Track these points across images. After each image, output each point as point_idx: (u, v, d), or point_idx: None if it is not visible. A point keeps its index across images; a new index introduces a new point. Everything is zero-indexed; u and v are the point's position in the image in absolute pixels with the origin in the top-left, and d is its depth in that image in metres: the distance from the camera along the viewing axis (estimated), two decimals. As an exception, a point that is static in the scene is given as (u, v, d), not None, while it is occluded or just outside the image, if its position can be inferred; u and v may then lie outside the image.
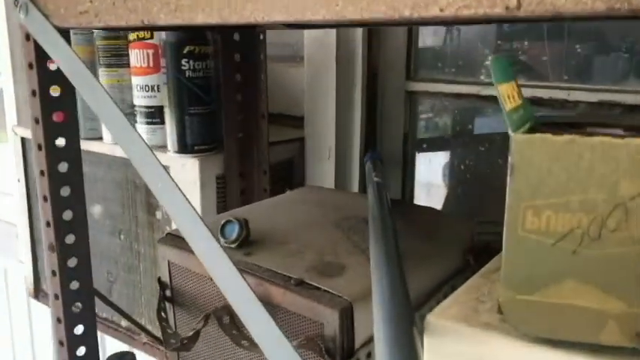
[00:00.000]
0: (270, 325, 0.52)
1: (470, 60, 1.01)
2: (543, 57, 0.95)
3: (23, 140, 1.25)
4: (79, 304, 0.80)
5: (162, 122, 0.98)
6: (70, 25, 0.63)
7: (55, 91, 0.73)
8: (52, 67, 0.72)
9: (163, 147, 0.97)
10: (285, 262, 0.62)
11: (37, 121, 0.72)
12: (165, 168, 0.60)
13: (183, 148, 0.94)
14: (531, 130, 0.37)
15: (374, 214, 0.60)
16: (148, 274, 1.08)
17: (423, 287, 0.63)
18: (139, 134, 0.61)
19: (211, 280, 0.66)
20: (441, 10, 0.38)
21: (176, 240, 0.70)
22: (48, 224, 0.74)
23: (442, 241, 0.68)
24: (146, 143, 0.60)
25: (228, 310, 0.62)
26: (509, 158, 0.36)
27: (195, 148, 0.94)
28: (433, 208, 0.79)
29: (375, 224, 0.57)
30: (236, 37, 0.92)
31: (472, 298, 0.40)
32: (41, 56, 0.71)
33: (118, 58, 1.02)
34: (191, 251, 0.67)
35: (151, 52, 0.96)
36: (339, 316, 0.53)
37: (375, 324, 0.40)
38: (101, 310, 1.20)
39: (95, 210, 1.12)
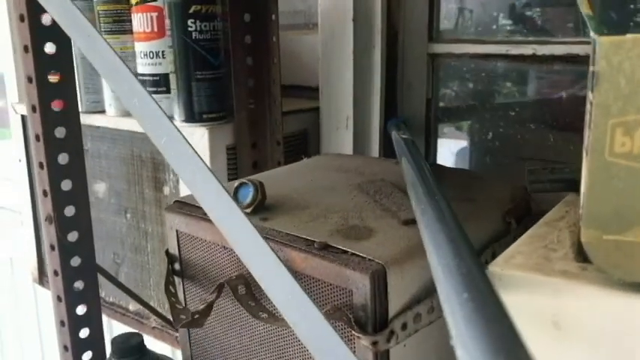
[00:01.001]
0: (297, 291, 0.45)
1: (492, 19, 0.94)
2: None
3: (24, 118, 1.19)
4: (80, 282, 0.74)
5: (168, 91, 0.91)
6: (63, -34, 0.57)
7: (49, 48, 0.67)
8: (46, 21, 0.66)
9: (170, 117, 0.90)
10: (307, 227, 0.55)
11: (30, 80, 0.65)
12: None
13: (191, 116, 0.87)
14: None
15: (411, 168, 0.54)
16: (156, 254, 1.02)
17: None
18: (145, 87, 0.55)
19: (224, 248, 0.60)
20: None
21: (185, 207, 0.64)
22: (45, 193, 0.68)
23: (480, 204, 0.61)
24: (151, 96, 0.54)
25: (243, 279, 0.55)
26: (592, 67, 0.29)
27: (204, 116, 0.87)
28: (468, 170, 0.72)
29: (415, 178, 0.50)
30: (246, -5, 0.86)
31: (539, 246, 0.33)
32: (34, 9, 0.65)
33: (120, 24, 0.95)
34: (201, 218, 0.61)
35: (154, 15, 0.90)
36: (371, 281, 0.47)
37: (438, 267, 0.33)
38: (108, 294, 1.14)
39: (99, 188, 1.06)
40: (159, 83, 0.92)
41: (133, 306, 1.10)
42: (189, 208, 0.64)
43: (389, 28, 0.94)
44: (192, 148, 0.51)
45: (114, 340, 0.72)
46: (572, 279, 0.29)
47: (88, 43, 0.55)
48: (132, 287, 1.05)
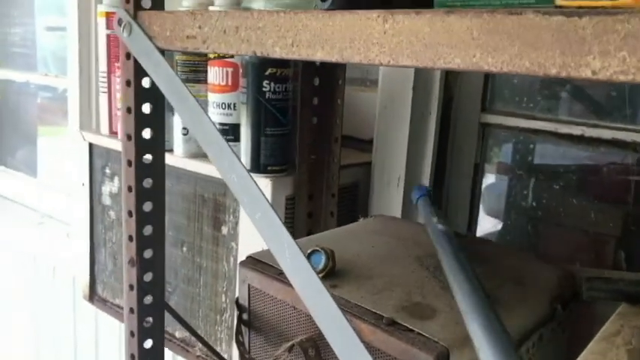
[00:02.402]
0: (368, 364, 0.51)
1: (548, 95, 0.99)
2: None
3: (91, 146, 1.27)
4: (150, 319, 0.81)
5: (236, 140, 0.98)
6: (175, 48, 0.64)
7: (146, 109, 0.74)
8: (145, 83, 0.73)
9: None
10: (374, 299, 0.61)
11: (129, 138, 0.73)
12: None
13: (257, 167, 0.94)
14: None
15: (460, 271, 0.59)
16: (208, 288, 1.08)
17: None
18: (239, 158, 0.61)
19: (294, 308, 0.66)
20: (594, 72, 0.37)
21: (258, 264, 0.70)
22: (130, 239, 0.75)
23: (529, 288, 0.66)
24: (245, 168, 0.60)
25: (313, 342, 0.62)
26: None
27: (269, 168, 0.94)
28: (518, 249, 0.78)
29: (466, 289, 0.56)
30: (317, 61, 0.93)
31: (601, 366, 0.39)
32: (139, 74, 0.72)
33: (196, 74, 1.03)
34: (275, 277, 0.67)
35: (230, 70, 0.97)
36: (435, 361, 0.53)
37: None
38: (155, 318, 1.21)
39: (159, 220, 1.14)
40: (228, 132, 0.99)
41: (179, 333, 1.16)
42: (262, 265, 0.70)
43: (445, 94, 1.01)
44: (282, 223, 0.57)
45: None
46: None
47: (191, 118, 0.62)
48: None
